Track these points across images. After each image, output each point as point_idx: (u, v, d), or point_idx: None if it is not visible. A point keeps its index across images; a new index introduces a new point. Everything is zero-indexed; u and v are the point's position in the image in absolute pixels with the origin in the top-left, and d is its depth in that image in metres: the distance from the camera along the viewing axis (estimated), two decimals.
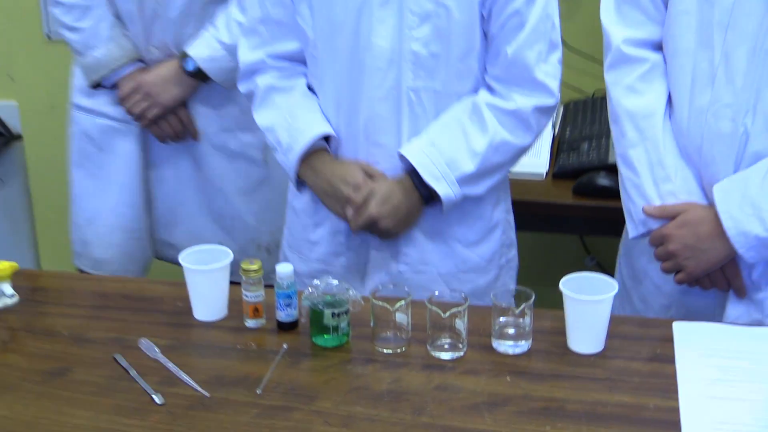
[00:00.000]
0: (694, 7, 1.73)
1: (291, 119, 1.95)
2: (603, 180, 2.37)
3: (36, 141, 3.46)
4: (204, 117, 2.33)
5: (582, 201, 2.37)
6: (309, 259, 2.06)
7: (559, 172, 2.47)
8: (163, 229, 2.44)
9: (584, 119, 2.69)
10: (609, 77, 1.88)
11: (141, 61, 2.32)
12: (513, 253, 2.10)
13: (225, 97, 2.33)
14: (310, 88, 2.01)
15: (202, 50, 2.26)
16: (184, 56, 2.28)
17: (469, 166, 1.87)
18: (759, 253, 1.71)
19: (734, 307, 1.80)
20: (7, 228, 3.71)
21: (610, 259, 2.93)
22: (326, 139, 1.96)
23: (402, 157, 1.89)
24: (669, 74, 1.82)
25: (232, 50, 2.22)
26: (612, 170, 2.38)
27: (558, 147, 2.61)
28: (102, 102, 2.37)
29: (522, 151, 1.94)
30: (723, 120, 1.73)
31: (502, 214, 2.05)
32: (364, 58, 1.89)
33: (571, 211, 2.36)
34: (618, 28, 1.85)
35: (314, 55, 1.95)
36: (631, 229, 1.87)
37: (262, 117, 2.01)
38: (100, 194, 2.41)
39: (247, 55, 2.02)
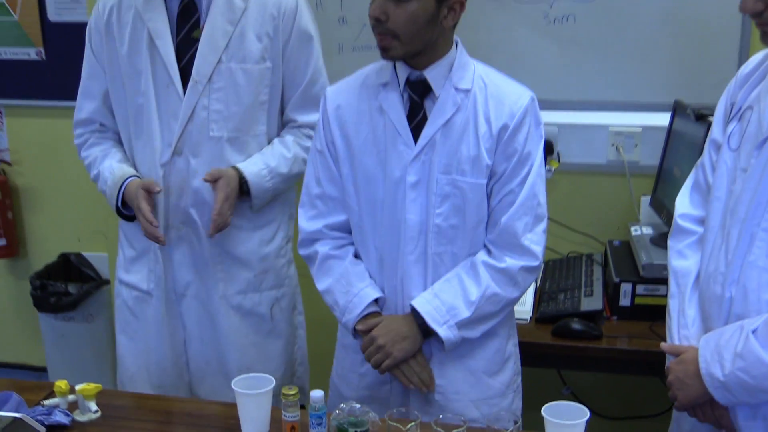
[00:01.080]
0: (722, 196, 1.76)
1: (347, 285, 1.96)
2: (576, 325, 2.36)
3: None
4: (224, 282, 2.30)
5: (559, 341, 2.35)
6: (358, 387, 2.03)
7: (540, 317, 2.45)
8: (196, 384, 2.38)
9: (561, 275, 2.69)
10: (669, 241, 1.92)
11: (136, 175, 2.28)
12: (520, 378, 2.07)
13: (239, 265, 2.31)
14: (356, 255, 2.02)
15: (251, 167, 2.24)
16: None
17: (465, 313, 1.88)
18: (725, 396, 1.66)
19: None
20: (93, 356, 3.69)
21: (584, 389, 2.90)
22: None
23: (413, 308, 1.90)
24: (702, 243, 1.84)
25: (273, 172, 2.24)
26: (583, 317, 2.39)
27: (539, 297, 2.60)
28: (136, 277, 2.35)
29: (510, 302, 1.94)
30: (716, 285, 1.73)
31: (513, 348, 2.04)
32: (400, 229, 1.92)
33: (550, 349, 2.33)
34: (682, 205, 1.90)
35: (360, 225, 1.98)
36: (667, 360, 1.86)
37: (321, 282, 2.02)
38: (139, 356, 2.38)
39: (307, 225, 2.03)
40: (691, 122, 2.44)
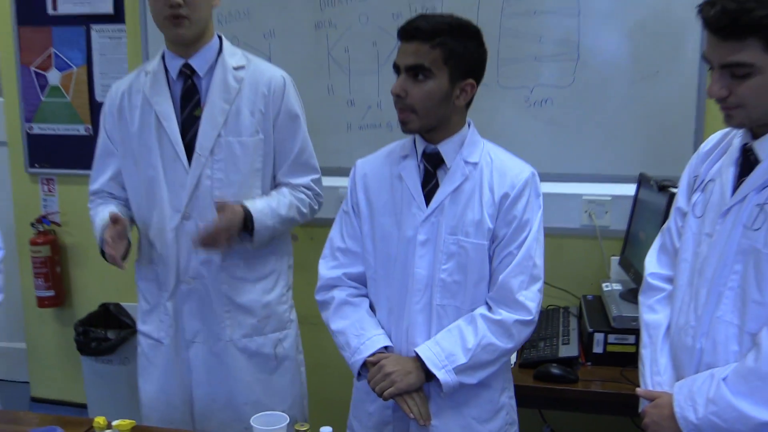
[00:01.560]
0: (689, 258, 1.77)
1: (361, 330, 1.95)
2: (555, 370, 2.34)
3: None
4: (230, 328, 2.29)
5: (540, 384, 2.33)
6: (367, 426, 2.02)
7: (523, 362, 2.43)
8: (201, 420, 2.34)
9: (541, 325, 2.65)
10: (640, 297, 1.91)
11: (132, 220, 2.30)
12: (515, 429, 2.05)
13: (244, 313, 2.30)
14: (370, 306, 2.02)
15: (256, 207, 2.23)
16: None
17: (462, 359, 1.86)
18: None
19: None
20: (128, 395, 3.66)
21: (563, 428, 2.87)
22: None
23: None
24: (672, 300, 1.83)
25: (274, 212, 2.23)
26: (561, 362, 2.37)
27: (522, 345, 2.58)
28: (150, 327, 2.35)
29: (505, 353, 1.92)
30: (687, 337, 1.72)
31: (507, 400, 2.01)
32: (408, 282, 1.92)
33: (532, 391, 2.31)
34: (651, 265, 1.89)
35: (374, 278, 1.98)
36: (640, 405, 1.84)
37: (335, 323, 2.00)
38: (153, 398, 2.37)
39: (327, 273, 2.03)
40: (654, 192, 2.45)
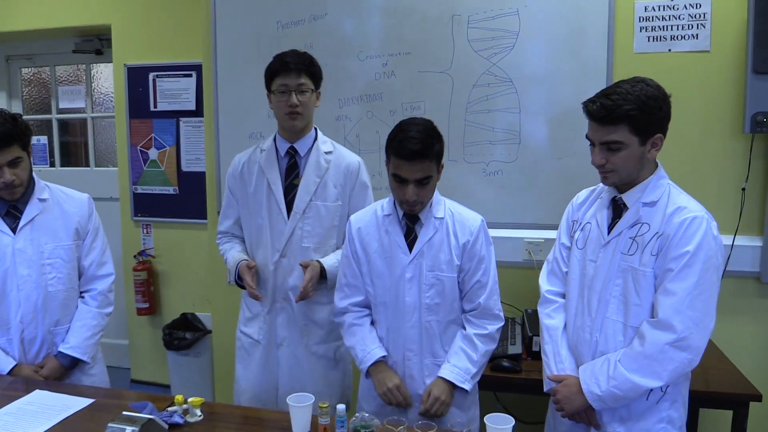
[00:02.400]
0: (577, 277, 1.78)
1: (364, 345, 1.93)
2: (505, 363, 2.30)
3: (219, 335, 3.39)
4: (307, 336, 2.23)
5: (495, 374, 2.28)
6: (373, 404, 1.96)
7: None
8: (281, 403, 2.25)
9: None
10: (539, 308, 1.89)
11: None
12: (477, 399, 2.03)
13: (317, 326, 2.24)
14: (372, 322, 1.98)
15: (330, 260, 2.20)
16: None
17: (473, 370, 1.86)
18: (600, 405, 1.66)
19: None
20: (200, 379, 3.61)
21: (511, 405, 2.81)
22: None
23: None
24: (566, 308, 1.82)
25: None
26: (509, 358, 2.33)
27: None
28: (251, 330, 2.28)
29: (492, 352, 1.92)
30: (585, 333, 1.72)
31: (476, 389, 1.98)
32: (399, 307, 1.90)
33: (489, 378, 2.25)
34: (545, 285, 1.89)
35: (375, 302, 1.96)
36: (545, 386, 1.82)
37: (348, 340, 1.98)
38: (248, 380, 2.29)
39: (339, 303, 2.01)
40: None
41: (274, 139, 2.25)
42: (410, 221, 1.91)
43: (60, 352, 2.13)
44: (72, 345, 2.13)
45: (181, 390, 3.54)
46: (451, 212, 1.92)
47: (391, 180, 1.85)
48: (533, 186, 2.83)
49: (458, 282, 1.90)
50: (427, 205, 1.88)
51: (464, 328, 1.91)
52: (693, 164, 2.65)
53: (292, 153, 2.21)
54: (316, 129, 2.27)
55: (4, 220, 2.09)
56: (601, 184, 1.80)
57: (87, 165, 4.12)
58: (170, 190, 3.71)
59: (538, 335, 2.37)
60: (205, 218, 3.35)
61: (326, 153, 2.22)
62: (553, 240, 2.84)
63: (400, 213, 1.91)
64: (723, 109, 2.62)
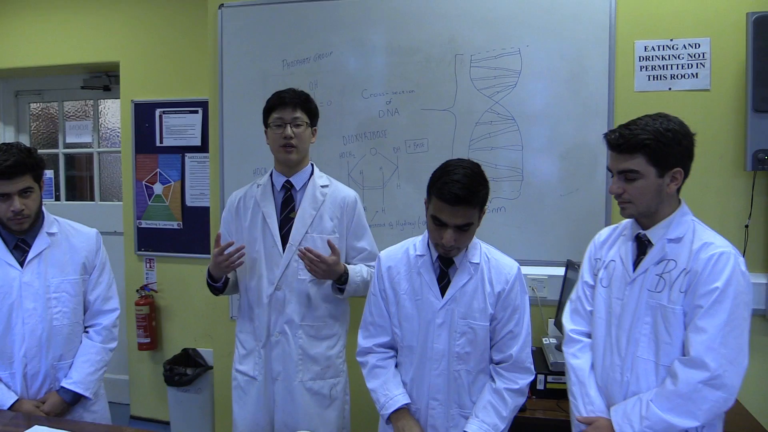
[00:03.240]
0: (603, 316, 1.76)
1: (386, 390, 1.87)
2: None
3: (220, 370, 3.37)
4: (302, 372, 2.22)
5: None
6: None
7: None
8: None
9: None
10: (564, 348, 1.87)
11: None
12: None
13: (312, 362, 2.23)
14: (397, 365, 1.94)
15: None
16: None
17: (500, 427, 1.80)
18: None
19: None
20: (200, 415, 3.57)
21: None
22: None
23: None
24: (593, 348, 1.80)
25: (359, 275, 2.17)
26: None
27: None
28: (246, 367, 2.28)
29: (521, 406, 1.87)
30: (615, 373, 1.70)
31: None
32: (427, 353, 1.85)
33: None
34: (569, 324, 1.87)
35: (401, 346, 1.90)
36: (574, 429, 1.79)
37: (370, 382, 1.92)
38: (245, 418, 2.28)
39: (363, 342, 1.96)
40: (577, 272, 2.40)
41: (271, 174, 2.28)
42: (444, 264, 1.85)
43: (62, 388, 2.13)
44: (75, 380, 2.14)
45: (180, 427, 3.50)
46: (487, 258, 1.87)
47: (429, 221, 1.77)
48: (536, 223, 2.84)
49: (491, 331, 1.84)
50: (463, 249, 1.84)
51: (493, 380, 1.85)
52: (696, 202, 2.65)
53: (288, 187, 2.24)
54: (312, 164, 2.30)
55: (13, 254, 2.12)
56: (623, 222, 1.81)
57: (92, 199, 4.16)
58: (174, 224, 3.72)
59: (542, 373, 2.38)
60: (209, 253, 3.37)
61: (322, 186, 2.25)
62: (557, 276, 2.86)
63: (434, 255, 1.86)
64: (724, 147, 2.66)
